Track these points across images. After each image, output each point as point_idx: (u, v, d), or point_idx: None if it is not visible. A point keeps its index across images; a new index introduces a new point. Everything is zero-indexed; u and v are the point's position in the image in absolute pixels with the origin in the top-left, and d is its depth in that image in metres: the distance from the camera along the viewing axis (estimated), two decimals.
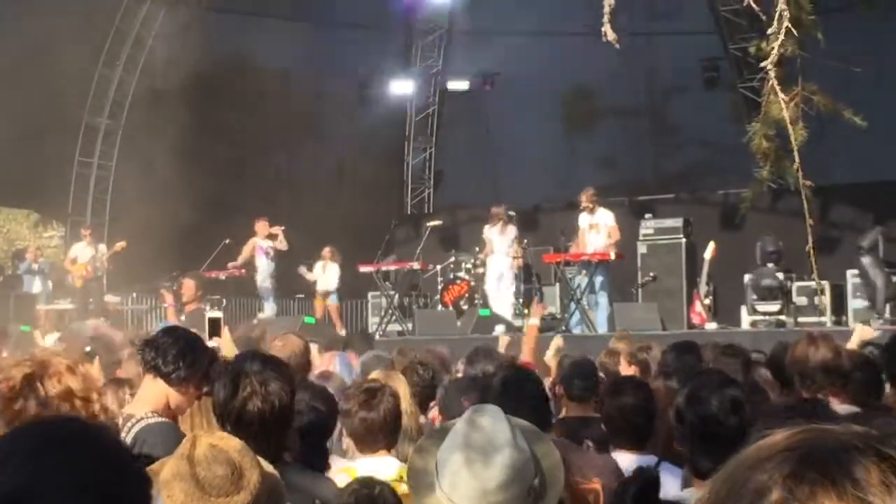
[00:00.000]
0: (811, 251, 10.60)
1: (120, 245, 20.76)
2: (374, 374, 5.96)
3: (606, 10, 9.79)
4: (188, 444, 3.04)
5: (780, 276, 18.25)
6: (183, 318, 16.81)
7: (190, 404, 4.92)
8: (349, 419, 4.92)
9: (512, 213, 20.50)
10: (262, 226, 20.38)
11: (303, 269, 21.35)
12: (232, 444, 3.12)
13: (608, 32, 9.80)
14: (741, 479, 1.20)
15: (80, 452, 1.79)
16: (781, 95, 8.81)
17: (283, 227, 20.34)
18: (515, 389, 4.90)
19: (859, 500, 1.15)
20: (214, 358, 5.06)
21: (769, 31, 9.13)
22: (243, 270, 20.26)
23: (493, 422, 2.77)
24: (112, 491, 1.77)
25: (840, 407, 5.35)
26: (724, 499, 1.21)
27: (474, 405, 2.93)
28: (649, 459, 5.27)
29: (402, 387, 5.60)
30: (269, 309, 20.79)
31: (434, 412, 6.31)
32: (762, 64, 9.29)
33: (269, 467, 3.27)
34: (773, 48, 8.90)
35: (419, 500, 2.77)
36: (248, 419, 3.87)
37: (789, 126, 9.12)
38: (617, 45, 9.89)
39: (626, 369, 7.77)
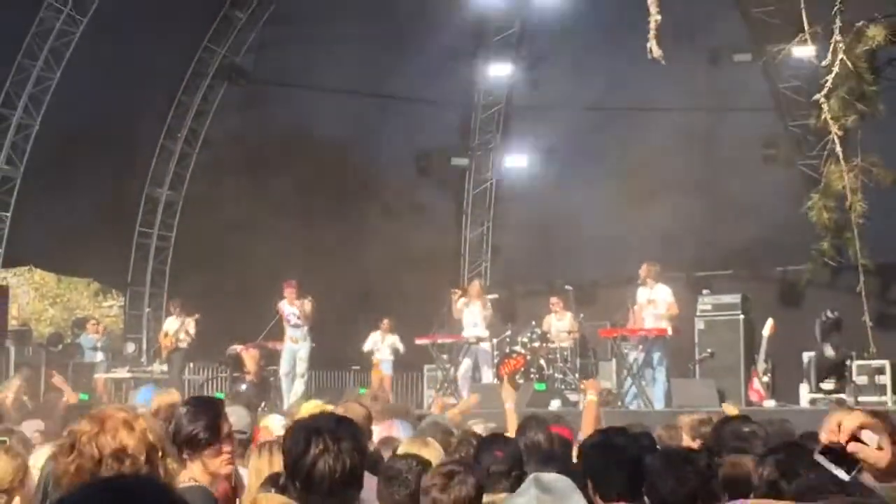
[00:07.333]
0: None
1: (194, 317, 20.57)
2: (405, 443, 5.97)
3: (652, 25, 9.63)
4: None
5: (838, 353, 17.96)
6: (244, 386, 16.94)
7: (228, 463, 4.76)
8: (425, 497, 4.90)
9: (569, 287, 20.43)
10: (288, 291, 19.40)
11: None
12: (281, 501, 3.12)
13: (654, 49, 9.63)
14: None
15: None
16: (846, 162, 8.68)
17: (309, 298, 19.35)
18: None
19: None
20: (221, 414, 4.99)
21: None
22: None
23: (559, 484, 2.77)
24: None
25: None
26: None
27: (534, 473, 2.91)
28: None
29: (433, 454, 5.74)
30: (298, 385, 19.32)
31: None
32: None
33: None
34: (832, 117, 8.79)
35: None
36: (318, 477, 3.83)
37: (849, 194, 8.96)
38: (662, 62, 9.66)
39: (689, 443, 7.68)
